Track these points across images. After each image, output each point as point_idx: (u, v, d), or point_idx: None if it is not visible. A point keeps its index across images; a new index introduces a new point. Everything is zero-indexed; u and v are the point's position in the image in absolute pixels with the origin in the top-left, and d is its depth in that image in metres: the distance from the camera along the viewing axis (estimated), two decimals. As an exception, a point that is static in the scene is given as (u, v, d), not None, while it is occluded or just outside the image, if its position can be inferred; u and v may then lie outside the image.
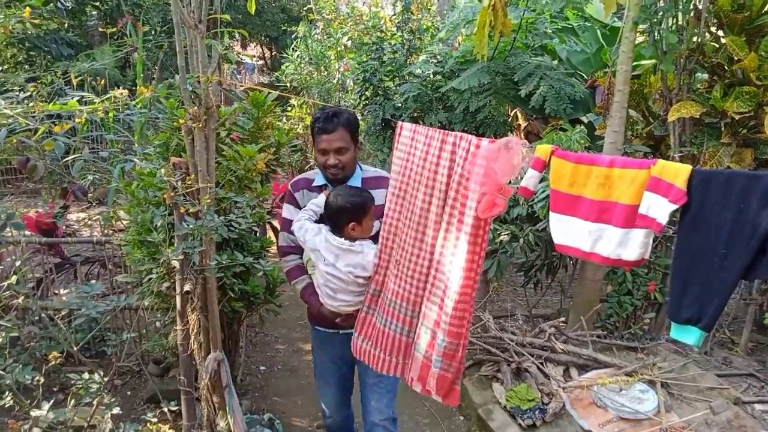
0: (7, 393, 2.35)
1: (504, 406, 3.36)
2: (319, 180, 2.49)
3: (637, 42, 3.84)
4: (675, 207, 1.66)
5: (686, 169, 1.65)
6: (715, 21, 4.01)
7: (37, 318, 3.71)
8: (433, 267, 2.01)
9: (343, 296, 2.28)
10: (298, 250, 2.48)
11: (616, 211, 1.83)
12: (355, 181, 2.44)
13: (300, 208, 2.44)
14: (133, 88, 6.61)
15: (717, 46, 3.94)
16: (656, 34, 3.91)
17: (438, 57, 5.69)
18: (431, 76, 5.62)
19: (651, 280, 4.13)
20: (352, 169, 2.44)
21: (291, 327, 4.79)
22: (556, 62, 5.63)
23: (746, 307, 4.39)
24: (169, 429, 2.76)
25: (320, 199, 2.38)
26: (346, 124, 2.34)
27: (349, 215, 2.22)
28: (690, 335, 1.73)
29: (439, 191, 1.98)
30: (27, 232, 3.76)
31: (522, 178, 1.99)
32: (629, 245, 1.82)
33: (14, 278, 2.29)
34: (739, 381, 3.92)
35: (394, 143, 2.21)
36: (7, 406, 2.40)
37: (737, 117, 3.74)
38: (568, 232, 1.96)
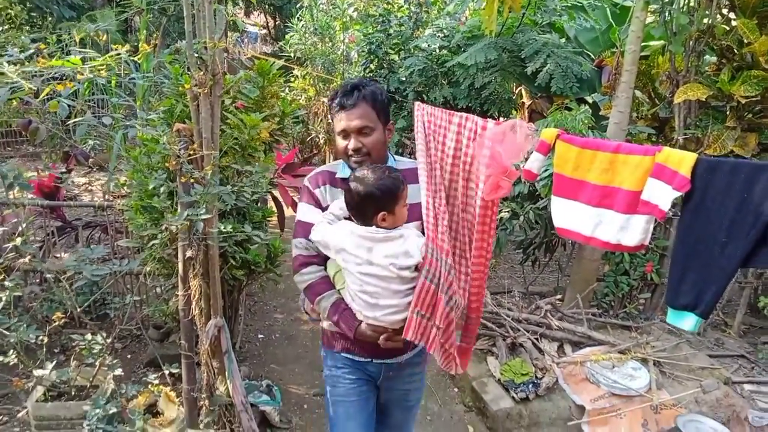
0: (11, 351, 2.40)
1: (498, 379, 3.42)
2: (342, 172, 2.01)
3: (647, 22, 3.80)
4: (678, 194, 1.67)
5: (691, 157, 1.65)
6: (726, 3, 3.97)
7: (37, 281, 3.76)
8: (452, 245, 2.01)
9: (387, 300, 1.80)
10: (320, 259, 1.97)
11: (619, 197, 1.83)
12: None
13: (322, 208, 1.98)
14: (136, 53, 6.53)
15: (727, 28, 3.91)
16: (667, 14, 3.87)
17: (445, 31, 5.62)
18: (437, 50, 5.56)
19: (648, 260, 4.17)
20: (381, 157, 1.98)
21: (290, 297, 4.83)
22: (563, 40, 5.56)
23: (741, 290, 4.44)
24: (170, 391, 2.82)
25: (342, 201, 1.94)
26: (371, 98, 1.92)
27: (377, 203, 1.78)
28: (686, 321, 1.75)
29: (449, 172, 1.98)
30: (30, 195, 3.77)
31: (527, 161, 1.99)
32: (630, 231, 1.83)
33: (19, 240, 2.32)
34: (730, 362, 3.98)
35: (414, 123, 2.07)
36: (11, 364, 2.45)
37: (743, 101, 3.73)
38: (569, 216, 1.97)
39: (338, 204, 1.92)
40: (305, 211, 2.00)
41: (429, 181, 1.93)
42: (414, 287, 1.78)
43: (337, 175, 2.02)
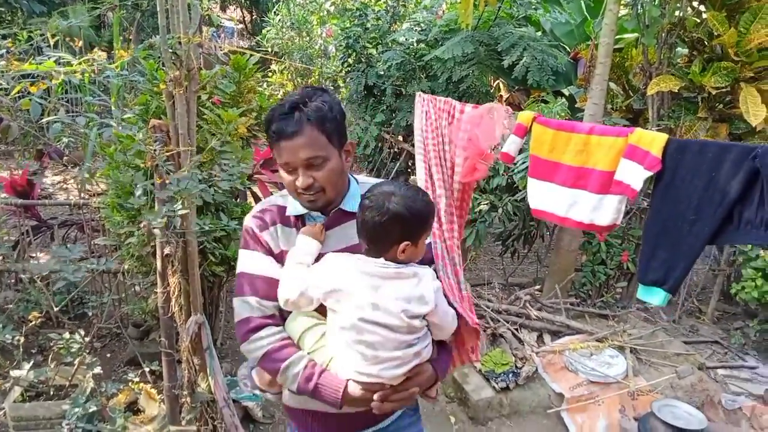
0: (-14, 352, 2.36)
1: (479, 369, 3.46)
2: (294, 208, 1.56)
3: (620, 15, 3.86)
4: (649, 174, 1.72)
5: (662, 137, 1.70)
6: (696, -5, 4.05)
7: (13, 281, 3.70)
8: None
9: (390, 352, 1.39)
10: (278, 319, 1.52)
11: (593, 177, 1.89)
12: (352, 203, 1.54)
13: (272, 255, 1.54)
14: (110, 49, 6.44)
15: (698, 20, 3.98)
16: (639, 7, 3.94)
17: (422, 25, 5.65)
18: (415, 44, 5.58)
19: (624, 250, 4.25)
20: (340, 188, 1.53)
21: (271, 293, 4.82)
22: (539, 33, 5.62)
23: (714, 277, 4.55)
24: (151, 388, 2.81)
25: (305, 242, 1.50)
26: (317, 119, 1.42)
27: (404, 229, 1.39)
28: (655, 296, 1.82)
29: (444, 159, 1.99)
30: (3, 194, 3.70)
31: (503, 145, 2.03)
32: (603, 210, 1.89)
33: (-9, 239, 2.28)
34: (704, 348, 4.09)
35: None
36: (-14, 365, 2.41)
37: (714, 92, 3.81)
38: (544, 197, 2.02)
39: (304, 249, 1.49)
40: (252, 261, 1.54)
41: (426, 174, 1.92)
42: (419, 336, 1.44)
43: (288, 212, 1.56)
